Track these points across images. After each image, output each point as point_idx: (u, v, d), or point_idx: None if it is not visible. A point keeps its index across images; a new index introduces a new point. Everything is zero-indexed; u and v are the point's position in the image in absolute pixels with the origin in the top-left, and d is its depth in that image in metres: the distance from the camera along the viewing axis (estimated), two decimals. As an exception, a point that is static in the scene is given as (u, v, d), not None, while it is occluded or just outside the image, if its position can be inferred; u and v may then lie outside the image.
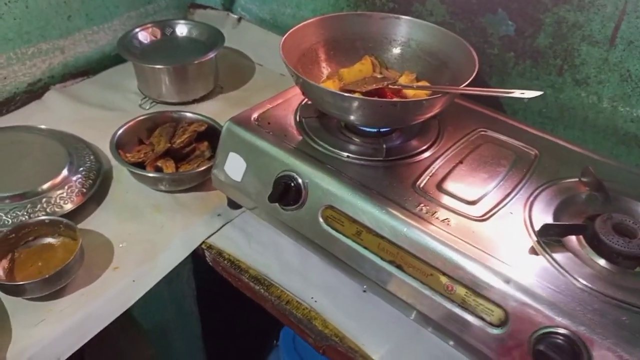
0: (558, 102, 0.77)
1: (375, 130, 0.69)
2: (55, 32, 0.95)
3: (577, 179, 0.64)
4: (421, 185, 0.62)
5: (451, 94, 0.63)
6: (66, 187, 0.74)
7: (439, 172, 0.65)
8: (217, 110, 0.95)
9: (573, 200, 0.61)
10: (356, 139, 0.69)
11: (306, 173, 0.64)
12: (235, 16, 1.15)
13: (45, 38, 0.94)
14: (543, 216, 0.58)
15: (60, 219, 0.68)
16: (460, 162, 0.66)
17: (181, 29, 1.04)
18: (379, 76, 0.75)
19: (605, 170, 0.63)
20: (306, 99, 0.75)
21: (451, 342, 0.59)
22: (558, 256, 0.53)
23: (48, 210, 0.71)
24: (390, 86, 0.69)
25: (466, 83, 0.61)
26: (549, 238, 0.55)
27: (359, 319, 0.64)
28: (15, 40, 0.90)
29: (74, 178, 0.75)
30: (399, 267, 0.58)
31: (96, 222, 0.74)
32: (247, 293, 0.70)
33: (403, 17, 0.75)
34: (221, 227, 0.75)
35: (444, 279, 0.55)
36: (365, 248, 0.60)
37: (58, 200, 0.73)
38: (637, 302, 0.49)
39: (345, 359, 0.62)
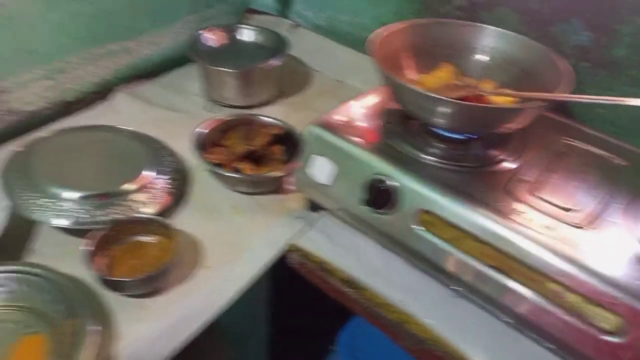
0: (629, 112, 0.79)
1: (462, 136, 0.70)
2: (123, 34, 0.96)
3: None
4: (515, 192, 0.64)
5: (549, 102, 0.64)
6: (153, 188, 0.75)
7: (530, 179, 0.66)
8: (280, 114, 0.96)
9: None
10: (440, 145, 0.70)
11: (400, 177, 0.65)
12: (291, 22, 1.17)
13: (114, 39, 0.95)
14: (644, 225, 0.60)
15: (155, 217, 0.70)
16: (549, 170, 0.68)
17: (247, 34, 1.05)
18: (458, 83, 0.77)
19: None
20: (387, 104, 0.76)
21: (552, 347, 0.60)
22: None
23: (134, 208, 0.72)
24: (481, 93, 0.70)
25: (567, 90, 0.63)
26: (656, 247, 0.56)
27: (451, 322, 0.65)
28: (86, 40, 0.91)
29: (161, 178, 0.76)
30: (502, 272, 0.59)
31: (180, 221, 0.75)
32: (333, 295, 0.71)
33: (487, 26, 0.76)
34: (303, 230, 0.76)
35: (553, 286, 0.56)
36: (466, 253, 0.62)
37: (145, 200, 0.73)
38: None
39: (441, 363, 0.63)
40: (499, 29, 0.76)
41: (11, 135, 0.86)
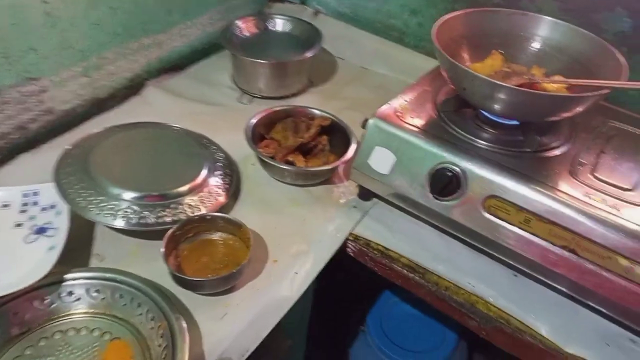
0: (663, 94, 0.82)
1: (517, 123, 0.72)
2: (157, 27, 0.94)
3: None
4: (577, 174, 0.66)
5: (611, 89, 0.66)
6: (208, 185, 0.74)
7: (587, 161, 0.69)
8: (313, 103, 0.96)
9: None
10: (494, 131, 0.73)
11: (464, 165, 0.67)
12: (312, 10, 1.16)
13: (147, 33, 0.93)
14: (700, 201, 0.63)
15: (222, 214, 0.70)
16: (602, 151, 0.71)
17: (279, 24, 1.04)
18: (508, 70, 0.78)
19: None
20: (440, 94, 0.78)
21: (620, 320, 0.64)
22: None
23: (193, 207, 0.72)
24: (539, 80, 0.72)
25: (625, 79, 0.65)
26: None
27: (519, 302, 0.68)
28: (122, 35, 0.89)
29: (215, 176, 0.76)
30: (572, 251, 0.62)
31: (240, 217, 0.75)
32: (397, 282, 0.73)
33: (539, 15, 0.78)
34: (362, 218, 0.77)
35: (623, 261, 0.59)
36: (535, 235, 0.64)
37: (203, 198, 0.73)
38: None
39: (512, 340, 0.66)
40: (550, 18, 0.77)
41: (48, 136, 0.84)
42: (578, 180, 0.65)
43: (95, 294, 0.62)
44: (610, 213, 0.61)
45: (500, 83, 0.64)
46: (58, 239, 0.64)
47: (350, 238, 0.75)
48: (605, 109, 0.79)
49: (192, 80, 1.02)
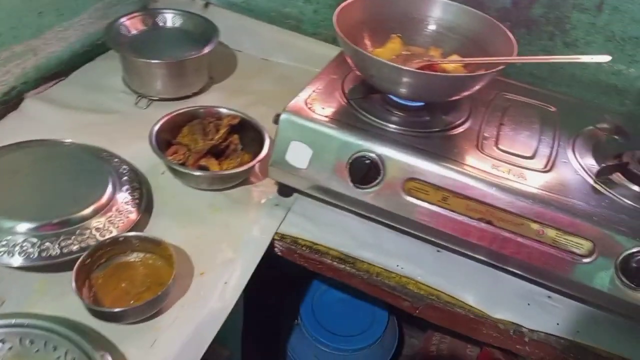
0: (548, 63, 0.89)
1: (423, 104, 0.75)
2: (27, 32, 0.83)
3: (592, 127, 0.77)
4: (483, 148, 0.70)
5: (504, 65, 0.69)
6: (116, 204, 0.68)
7: (490, 135, 0.73)
8: (218, 101, 0.92)
9: (600, 145, 0.74)
10: (402, 114, 0.74)
11: (380, 150, 0.68)
12: (202, 1, 1.10)
13: (18, 39, 0.82)
14: (588, 160, 0.70)
15: (136, 233, 0.64)
16: (502, 123, 0.76)
17: (169, 19, 0.97)
18: (407, 53, 0.80)
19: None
20: (347, 82, 0.78)
21: (536, 280, 0.69)
22: (616, 190, 0.65)
23: (101, 230, 0.66)
24: (439, 61, 0.74)
25: (515, 54, 0.70)
26: (604, 177, 0.67)
27: (446, 276, 0.71)
28: (-14, 45, 0.78)
29: (122, 192, 0.70)
30: (488, 222, 0.66)
31: (157, 232, 0.70)
32: (329, 274, 0.73)
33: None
34: (285, 216, 0.76)
35: (534, 226, 0.64)
36: (453, 211, 0.67)
37: (112, 219, 0.67)
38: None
39: (443, 314, 0.69)
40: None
41: None
42: (485, 154, 0.69)
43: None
44: (516, 182, 0.65)
45: (407, 69, 0.65)
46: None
47: (277, 237, 0.73)
48: (496, 82, 0.84)
49: (78, 87, 0.92)
